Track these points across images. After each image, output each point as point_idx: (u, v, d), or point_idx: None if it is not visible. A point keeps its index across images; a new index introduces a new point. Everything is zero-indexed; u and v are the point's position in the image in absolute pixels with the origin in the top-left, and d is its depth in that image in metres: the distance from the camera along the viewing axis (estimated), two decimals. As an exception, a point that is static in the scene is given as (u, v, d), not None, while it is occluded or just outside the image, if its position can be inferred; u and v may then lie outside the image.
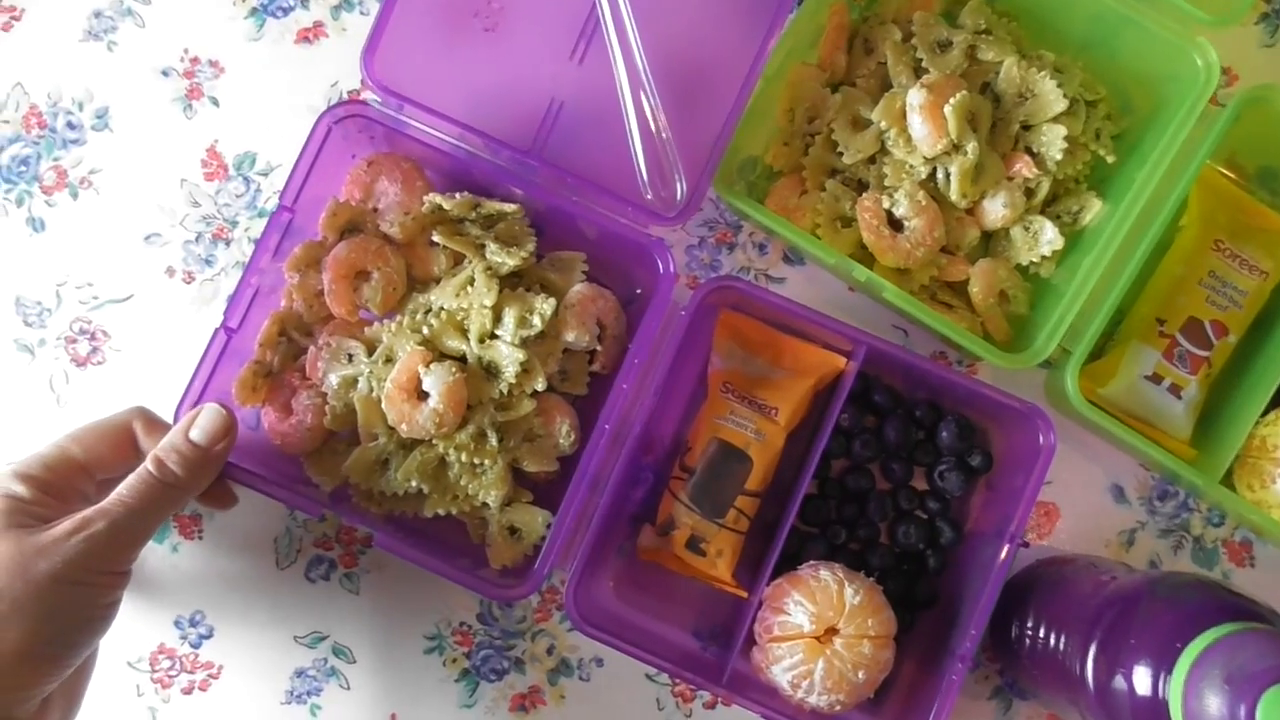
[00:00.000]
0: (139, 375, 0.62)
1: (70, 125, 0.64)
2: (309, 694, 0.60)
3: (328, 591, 0.60)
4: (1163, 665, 0.43)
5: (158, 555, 0.60)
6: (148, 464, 0.50)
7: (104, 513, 0.48)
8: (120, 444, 0.53)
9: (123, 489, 0.49)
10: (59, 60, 0.64)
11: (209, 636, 0.60)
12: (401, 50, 0.56)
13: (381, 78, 0.56)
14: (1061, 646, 0.50)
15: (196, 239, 0.63)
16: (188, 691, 0.60)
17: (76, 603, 0.47)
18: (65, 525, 0.47)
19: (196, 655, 0.60)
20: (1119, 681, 0.45)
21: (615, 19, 0.55)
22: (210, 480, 0.52)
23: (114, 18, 0.64)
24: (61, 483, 0.51)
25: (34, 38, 0.64)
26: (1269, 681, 0.39)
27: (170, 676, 0.60)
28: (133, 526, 0.49)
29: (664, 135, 0.55)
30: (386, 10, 0.56)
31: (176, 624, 0.60)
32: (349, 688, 0.60)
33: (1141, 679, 0.44)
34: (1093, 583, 0.51)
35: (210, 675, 0.60)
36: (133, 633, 0.60)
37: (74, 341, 0.62)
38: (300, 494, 0.54)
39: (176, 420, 0.53)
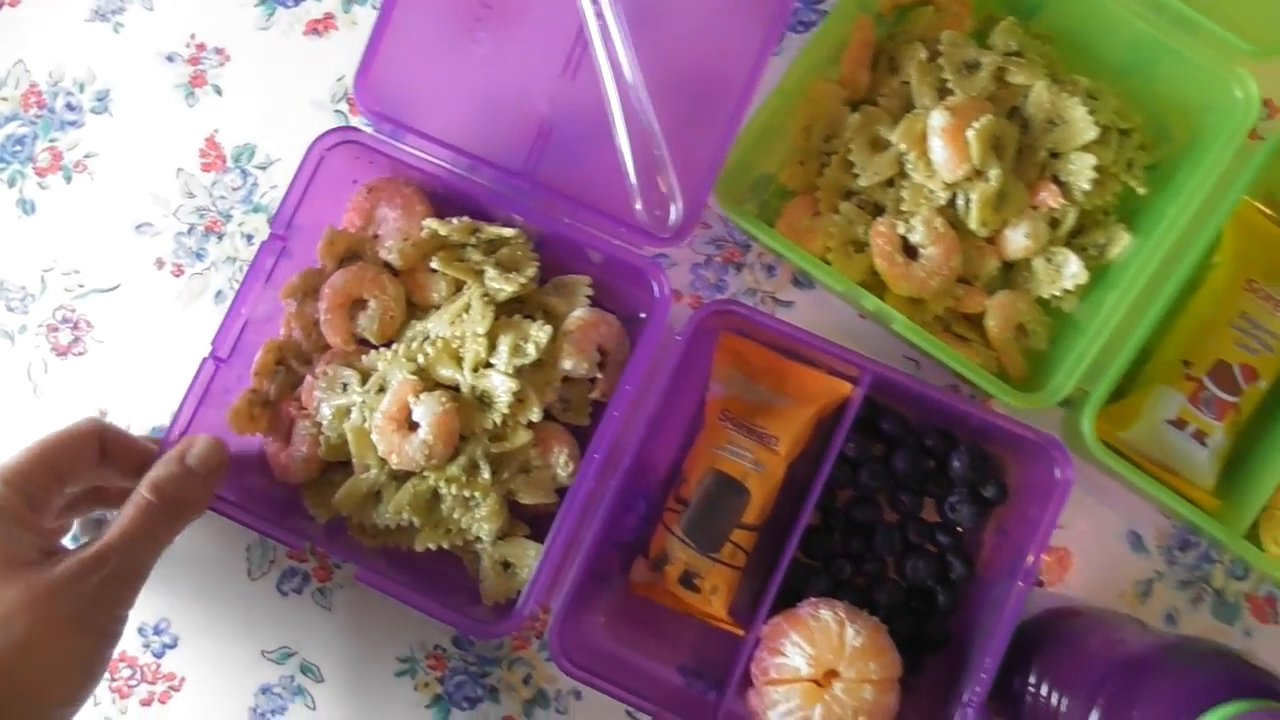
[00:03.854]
0: (120, 368, 0.60)
1: (69, 106, 0.62)
2: (273, 713, 0.57)
3: (299, 606, 0.58)
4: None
5: (125, 557, 0.58)
6: (144, 492, 0.46)
7: (113, 548, 0.44)
8: (86, 454, 0.49)
9: (123, 522, 0.45)
10: (63, 39, 0.62)
11: (173, 646, 0.57)
12: (393, 73, 0.55)
13: (372, 103, 0.55)
14: (1063, 708, 0.46)
15: (189, 231, 0.61)
16: (147, 703, 0.57)
17: (99, 654, 0.43)
18: (76, 562, 0.42)
19: (159, 665, 0.57)
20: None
21: (602, 30, 0.53)
22: (205, 508, 0.50)
23: None
24: (40, 495, 0.46)
25: (40, 14, 0.63)
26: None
27: (130, 686, 0.57)
28: (142, 559, 0.45)
29: (658, 151, 0.53)
30: (378, 34, 0.54)
31: (140, 631, 0.57)
32: (314, 708, 0.57)
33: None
34: (1101, 641, 0.48)
35: (171, 687, 0.57)
36: (94, 637, 0.57)
37: (56, 330, 0.60)
38: (283, 526, 0.52)
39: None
